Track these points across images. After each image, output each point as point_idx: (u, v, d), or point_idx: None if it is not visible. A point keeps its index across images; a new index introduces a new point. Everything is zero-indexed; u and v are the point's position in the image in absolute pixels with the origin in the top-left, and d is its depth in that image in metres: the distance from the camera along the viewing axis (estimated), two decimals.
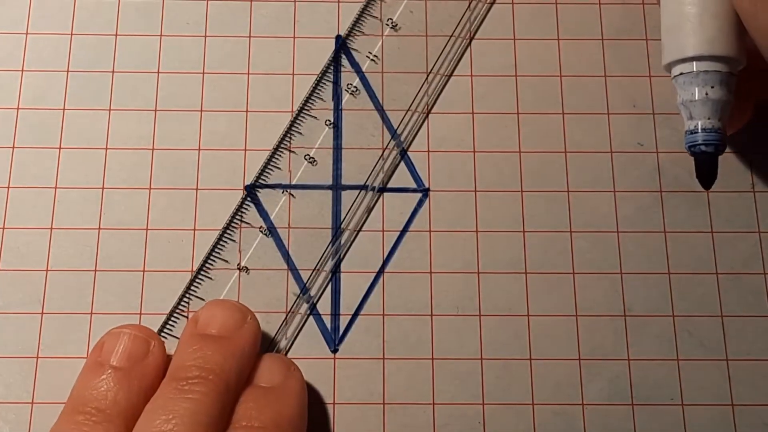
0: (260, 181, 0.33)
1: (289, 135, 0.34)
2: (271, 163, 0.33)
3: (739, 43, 0.27)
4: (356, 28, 0.35)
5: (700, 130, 0.28)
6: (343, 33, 0.35)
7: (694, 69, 0.28)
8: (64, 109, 0.34)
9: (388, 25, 0.35)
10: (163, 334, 0.31)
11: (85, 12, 0.35)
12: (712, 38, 0.27)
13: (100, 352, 0.29)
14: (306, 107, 0.34)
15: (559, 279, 0.32)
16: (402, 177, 0.34)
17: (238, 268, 0.32)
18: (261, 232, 0.33)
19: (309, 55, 0.35)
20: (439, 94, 0.34)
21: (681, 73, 0.28)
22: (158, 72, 0.35)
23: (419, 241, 0.33)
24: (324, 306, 0.32)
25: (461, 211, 0.33)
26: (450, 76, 0.35)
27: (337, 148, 0.34)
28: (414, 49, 0.35)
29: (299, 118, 0.34)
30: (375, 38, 0.35)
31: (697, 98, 0.28)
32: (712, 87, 0.27)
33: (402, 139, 0.34)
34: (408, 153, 0.34)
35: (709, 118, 0.28)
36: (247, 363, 0.29)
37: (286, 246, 0.32)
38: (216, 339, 0.29)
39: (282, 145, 0.34)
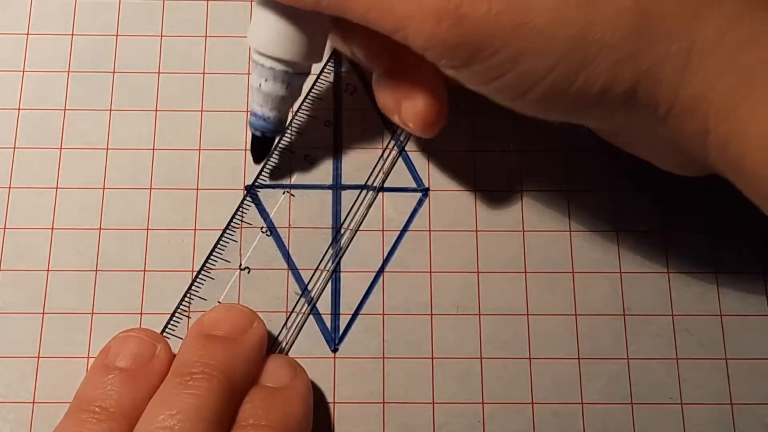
0: (260, 181, 0.33)
1: (289, 135, 0.34)
2: (271, 163, 0.34)
3: (302, 51, 0.29)
4: None
5: (251, 114, 0.31)
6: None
7: (255, 59, 0.30)
8: (65, 110, 0.34)
9: None
10: (165, 333, 0.31)
11: (86, 13, 0.36)
12: (271, 40, 0.29)
13: (107, 355, 0.29)
14: (306, 107, 0.34)
15: (558, 278, 0.32)
16: (402, 176, 0.34)
17: (239, 268, 0.32)
18: (261, 231, 0.33)
19: None
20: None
21: (252, 59, 0.30)
22: (159, 72, 0.35)
23: (419, 240, 0.33)
24: (324, 305, 0.32)
25: (461, 211, 0.33)
26: None
27: (337, 148, 0.34)
28: None
29: (299, 117, 0.34)
30: None
31: (253, 85, 0.30)
32: (266, 80, 0.30)
33: (401, 138, 0.34)
34: (408, 152, 0.34)
35: (261, 105, 0.30)
36: (253, 365, 0.29)
37: (287, 246, 0.33)
38: (222, 339, 0.29)
39: (282, 145, 0.34)
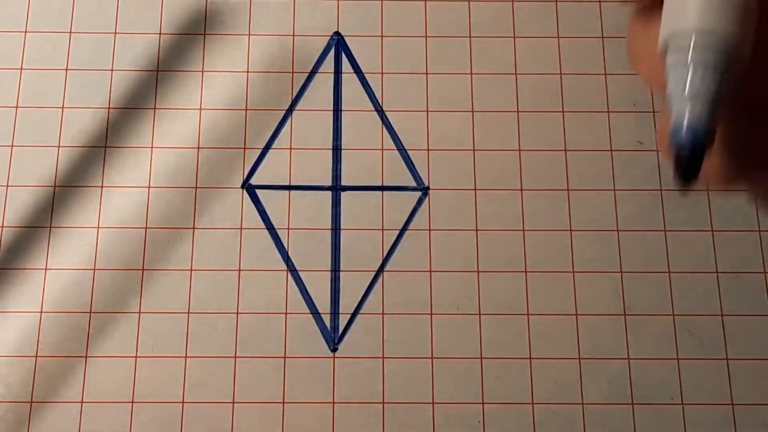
0: (259, 180, 0.33)
1: (288, 134, 0.34)
2: (271, 162, 0.33)
3: (741, 26, 0.19)
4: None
5: (674, 130, 0.21)
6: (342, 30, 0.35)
7: (679, 48, 0.20)
8: (63, 108, 0.34)
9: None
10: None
11: (84, 11, 0.35)
12: (709, 12, 0.18)
13: None
14: (305, 106, 0.34)
15: (558, 278, 0.32)
16: (402, 175, 0.34)
17: (238, 269, 0.32)
18: (261, 232, 0.33)
19: (308, 54, 0.35)
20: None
21: (670, 59, 0.20)
22: (157, 71, 0.35)
23: (419, 239, 0.33)
24: (324, 305, 0.32)
25: (461, 210, 0.33)
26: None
27: (337, 149, 0.34)
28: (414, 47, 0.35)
29: (298, 116, 0.34)
30: (375, 38, 0.35)
31: (674, 90, 0.19)
32: (697, 71, 0.20)
33: (401, 138, 0.34)
34: (408, 151, 0.34)
35: (690, 112, 0.19)
36: None
37: (286, 246, 0.32)
38: None
39: (281, 144, 0.34)
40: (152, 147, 0.34)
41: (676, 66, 0.20)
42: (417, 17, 0.35)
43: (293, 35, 0.35)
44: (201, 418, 0.30)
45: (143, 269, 0.32)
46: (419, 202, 0.33)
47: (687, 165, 0.20)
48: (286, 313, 0.32)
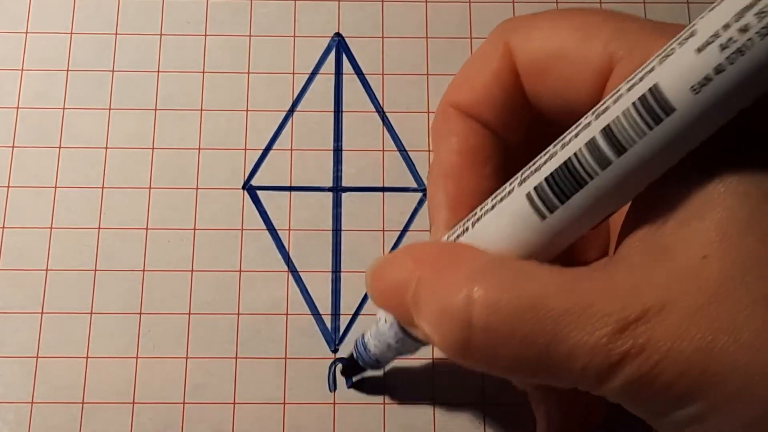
0: (260, 181, 0.33)
1: (289, 135, 0.34)
2: (271, 163, 0.33)
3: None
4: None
5: (362, 337, 0.28)
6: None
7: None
8: (63, 109, 0.34)
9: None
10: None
11: (85, 11, 0.35)
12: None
13: None
14: (306, 107, 0.34)
15: None
16: (402, 176, 0.34)
17: (238, 269, 0.32)
18: (261, 232, 0.33)
19: (309, 55, 0.35)
20: None
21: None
22: (158, 71, 0.35)
23: (419, 240, 0.33)
24: (324, 306, 0.32)
25: None
26: None
27: (338, 150, 0.34)
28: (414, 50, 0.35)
29: (299, 117, 0.34)
30: (376, 39, 0.35)
31: (378, 316, 0.27)
32: (385, 321, 0.26)
33: (402, 139, 0.34)
34: (409, 152, 0.34)
35: (372, 337, 0.28)
36: None
37: (287, 247, 0.32)
38: None
39: (282, 145, 0.34)
40: (153, 148, 0.34)
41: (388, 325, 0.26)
42: (418, 18, 0.35)
43: (294, 36, 0.35)
44: (201, 418, 0.30)
45: (144, 270, 0.32)
46: (420, 203, 0.33)
47: (352, 371, 0.30)
48: (286, 314, 0.32)
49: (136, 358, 0.31)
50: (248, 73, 0.35)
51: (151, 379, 0.31)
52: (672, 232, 0.20)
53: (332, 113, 0.34)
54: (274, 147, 0.34)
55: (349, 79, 0.35)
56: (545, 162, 0.21)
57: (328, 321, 0.32)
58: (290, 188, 0.33)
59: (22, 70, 0.34)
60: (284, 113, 0.34)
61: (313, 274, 0.32)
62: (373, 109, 0.34)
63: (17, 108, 0.34)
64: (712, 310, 0.19)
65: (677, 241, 0.20)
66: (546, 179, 0.21)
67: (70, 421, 0.30)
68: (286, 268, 0.32)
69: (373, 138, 0.34)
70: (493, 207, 0.22)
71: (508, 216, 0.21)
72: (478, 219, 0.23)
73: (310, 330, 0.32)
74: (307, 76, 0.35)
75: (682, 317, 0.19)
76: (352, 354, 0.29)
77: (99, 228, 0.33)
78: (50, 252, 0.32)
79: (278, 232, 0.33)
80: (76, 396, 0.31)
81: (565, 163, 0.20)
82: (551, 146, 0.21)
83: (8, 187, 0.33)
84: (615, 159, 0.19)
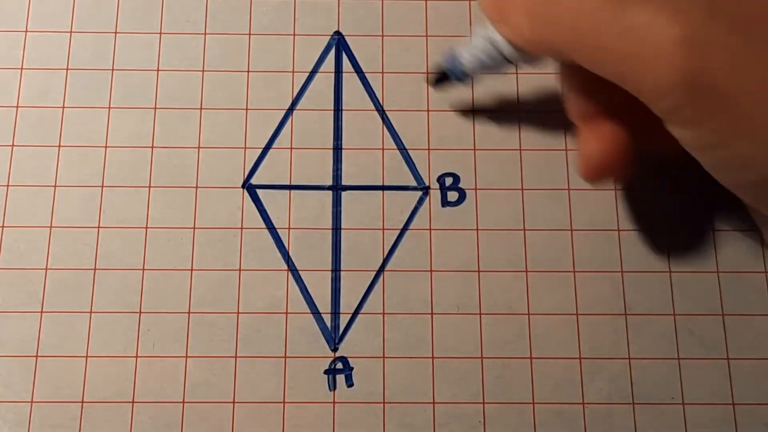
0: (260, 180, 0.33)
1: (288, 133, 0.34)
2: (271, 162, 0.33)
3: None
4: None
5: (454, 50, 0.32)
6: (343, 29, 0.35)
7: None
8: (63, 107, 0.34)
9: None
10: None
11: (85, 10, 0.35)
12: None
13: None
14: (306, 106, 0.34)
15: (559, 277, 0.32)
16: (402, 175, 0.34)
17: (238, 268, 0.32)
18: (261, 231, 0.33)
19: (309, 53, 0.35)
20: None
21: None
22: (158, 70, 0.35)
23: (419, 239, 0.33)
24: (324, 305, 0.32)
25: (461, 209, 0.33)
26: None
27: (338, 148, 0.34)
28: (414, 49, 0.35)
29: (299, 116, 0.34)
30: (376, 38, 0.35)
31: (474, 34, 0.31)
32: (483, 39, 0.30)
33: (402, 137, 0.34)
34: (408, 151, 0.34)
35: (465, 52, 0.31)
36: None
37: (286, 246, 0.32)
38: None
39: (282, 144, 0.34)
40: (153, 146, 0.34)
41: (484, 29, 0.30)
42: (417, 17, 0.35)
43: (294, 34, 0.35)
44: (201, 418, 0.30)
45: (143, 269, 0.32)
46: (420, 201, 0.33)
47: (443, 78, 0.33)
48: (286, 313, 0.32)
49: (136, 357, 0.31)
50: (248, 71, 0.35)
51: (151, 378, 0.31)
52: None
53: (332, 112, 0.34)
54: (274, 145, 0.34)
55: (349, 78, 0.35)
56: None
57: (327, 320, 0.32)
58: (290, 187, 0.33)
59: (22, 68, 0.34)
60: (284, 112, 0.34)
61: (313, 273, 0.32)
62: (373, 108, 0.34)
63: (17, 107, 0.34)
64: None
65: None
66: None
67: (70, 421, 0.30)
68: (285, 267, 0.32)
69: (372, 136, 0.34)
70: None
71: None
72: None
73: (310, 329, 0.32)
74: (306, 75, 0.35)
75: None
76: (442, 68, 0.32)
77: (99, 227, 0.33)
78: (50, 251, 0.32)
79: (278, 230, 0.33)
80: (76, 395, 0.31)
81: None
82: None
83: (8, 185, 0.33)
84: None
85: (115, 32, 0.35)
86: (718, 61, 0.24)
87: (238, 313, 0.32)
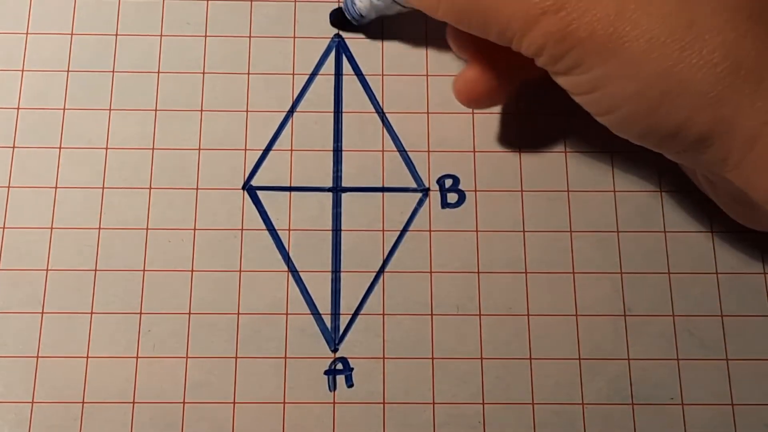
0: (260, 181, 0.33)
1: (289, 135, 0.34)
2: (271, 164, 0.33)
3: None
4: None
5: None
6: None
7: None
8: (64, 109, 0.34)
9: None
10: None
11: (86, 12, 0.35)
12: None
13: None
14: (306, 108, 0.34)
15: (559, 279, 0.32)
16: (402, 177, 0.34)
17: (238, 269, 0.32)
18: (261, 232, 0.33)
19: (309, 56, 0.35)
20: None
21: None
22: (158, 72, 0.35)
23: (419, 240, 0.33)
24: (324, 306, 0.32)
25: (461, 211, 0.33)
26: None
27: (338, 150, 0.34)
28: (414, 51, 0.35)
29: (299, 118, 0.34)
30: (376, 40, 0.35)
31: None
32: None
33: (402, 139, 0.34)
34: (408, 153, 0.34)
35: None
36: None
37: (287, 247, 0.32)
38: None
39: (282, 146, 0.34)
40: (153, 148, 0.34)
41: None
42: (417, 19, 0.35)
43: (294, 37, 0.35)
44: (201, 418, 0.31)
45: (144, 270, 0.32)
46: (420, 203, 0.33)
47: (342, 18, 0.35)
48: (286, 314, 0.32)
49: (136, 357, 0.31)
50: (248, 73, 0.35)
51: (151, 379, 0.31)
52: None
53: (332, 114, 0.34)
54: (274, 147, 0.34)
55: (349, 80, 0.35)
56: None
57: (327, 321, 0.32)
58: (290, 188, 0.33)
59: (23, 70, 0.35)
60: (284, 114, 0.34)
61: (313, 274, 0.32)
62: (373, 110, 0.34)
63: (18, 108, 0.34)
64: None
65: None
66: None
67: (70, 421, 0.30)
68: (285, 268, 0.32)
69: (372, 138, 0.34)
70: None
71: None
72: None
73: (310, 330, 0.32)
74: (307, 77, 0.35)
75: None
76: (340, 7, 0.35)
77: (99, 228, 0.33)
78: (50, 252, 0.32)
79: (278, 232, 0.33)
80: (76, 396, 0.31)
81: None
82: None
83: (9, 187, 0.33)
84: None
85: (116, 34, 0.35)
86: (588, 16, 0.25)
87: (239, 313, 0.32)
